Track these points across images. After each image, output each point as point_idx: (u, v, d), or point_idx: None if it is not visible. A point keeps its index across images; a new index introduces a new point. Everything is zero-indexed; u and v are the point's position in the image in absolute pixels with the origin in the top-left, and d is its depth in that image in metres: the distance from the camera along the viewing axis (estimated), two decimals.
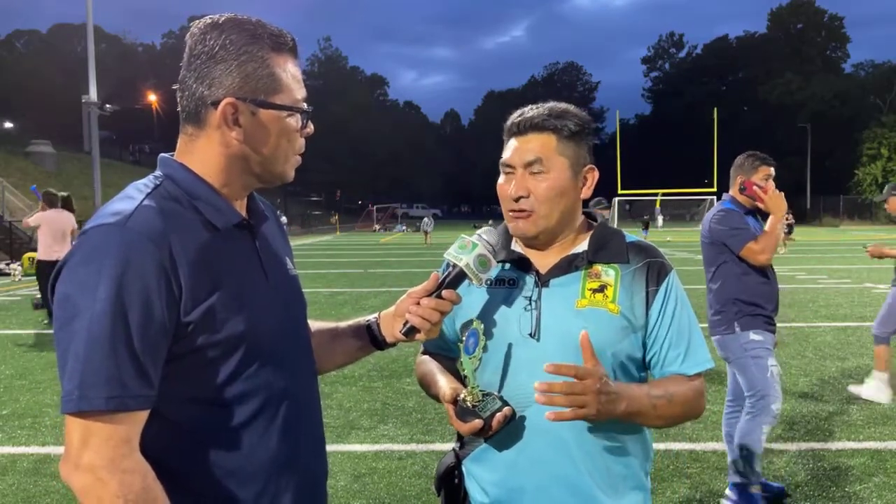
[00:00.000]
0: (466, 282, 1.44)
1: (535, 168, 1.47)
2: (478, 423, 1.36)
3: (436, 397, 1.56)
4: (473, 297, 1.54)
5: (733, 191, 3.91)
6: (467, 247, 1.43)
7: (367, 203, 73.39)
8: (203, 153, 1.23)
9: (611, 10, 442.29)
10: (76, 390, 1.05)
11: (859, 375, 6.36)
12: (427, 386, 1.63)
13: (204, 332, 1.14)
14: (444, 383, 1.52)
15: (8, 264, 19.25)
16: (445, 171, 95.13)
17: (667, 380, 1.49)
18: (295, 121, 1.26)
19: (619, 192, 34.67)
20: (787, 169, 65.79)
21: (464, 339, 1.42)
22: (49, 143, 40.45)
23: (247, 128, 1.21)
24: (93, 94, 20.48)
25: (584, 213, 1.60)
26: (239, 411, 1.19)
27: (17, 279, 17.62)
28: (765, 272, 3.76)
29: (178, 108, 1.24)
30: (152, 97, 35.68)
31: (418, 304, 1.41)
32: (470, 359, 1.42)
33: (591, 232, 1.56)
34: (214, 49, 1.19)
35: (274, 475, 1.23)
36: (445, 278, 1.42)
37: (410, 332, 1.41)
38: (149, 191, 1.18)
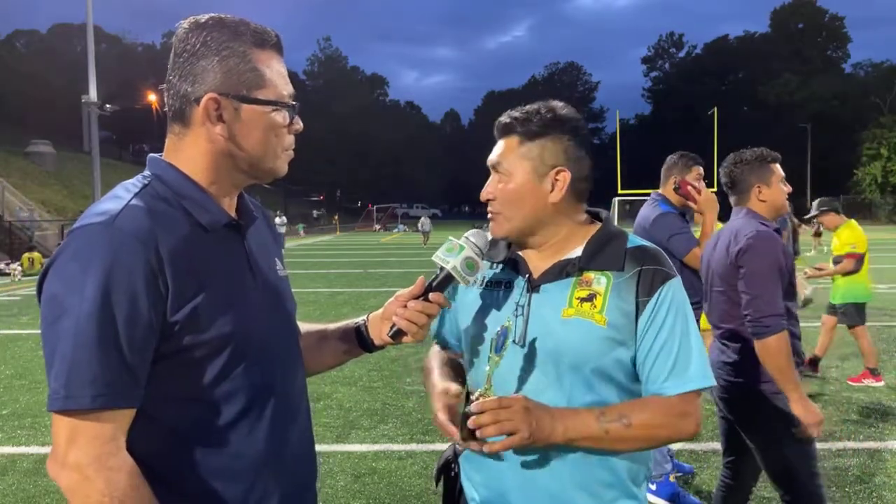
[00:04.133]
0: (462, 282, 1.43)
1: (500, 170, 1.47)
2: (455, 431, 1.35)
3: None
4: (471, 297, 1.55)
5: (665, 189, 3.95)
6: (455, 249, 1.42)
7: (367, 203, 73.35)
8: (190, 151, 1.22)
9: (611, 10, 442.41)
10: (62, 389, 1.05)
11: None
12: (425, 377, 1.63)
13: (191, 331, 1.13)
14: (438, 378, 1.53)
15: (8, 264, 19.25)
16: (445, 171, 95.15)
17: (635, 402, 1.40)
18: (281, 116, 1.24)
19: (619, 192, 34.52)
20: (787, 169, 65.33)
21: (496, 336, 1.36)
22: (49, 143, 40.44)
23: (230, 123, 1.20)
24: (93, 94, 20.49)
25: (588, 211, 1.54)
26: (226, 410, 1.19)
27: (16, 279, 17.63)
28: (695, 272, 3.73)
29: (165, 108, 1.24)
30: (152, 97, 35.64)
31: (405, 306, 1.40)
32: (496, 357, 1.36)
33: (591, 234, 1.48)
34: (196, 46, 1.19)
35: (261, 474, 1.23)
36: (433, 281, 1.42)
37: (397, 334, 1.41)
38: (136, 190, 1.18)
